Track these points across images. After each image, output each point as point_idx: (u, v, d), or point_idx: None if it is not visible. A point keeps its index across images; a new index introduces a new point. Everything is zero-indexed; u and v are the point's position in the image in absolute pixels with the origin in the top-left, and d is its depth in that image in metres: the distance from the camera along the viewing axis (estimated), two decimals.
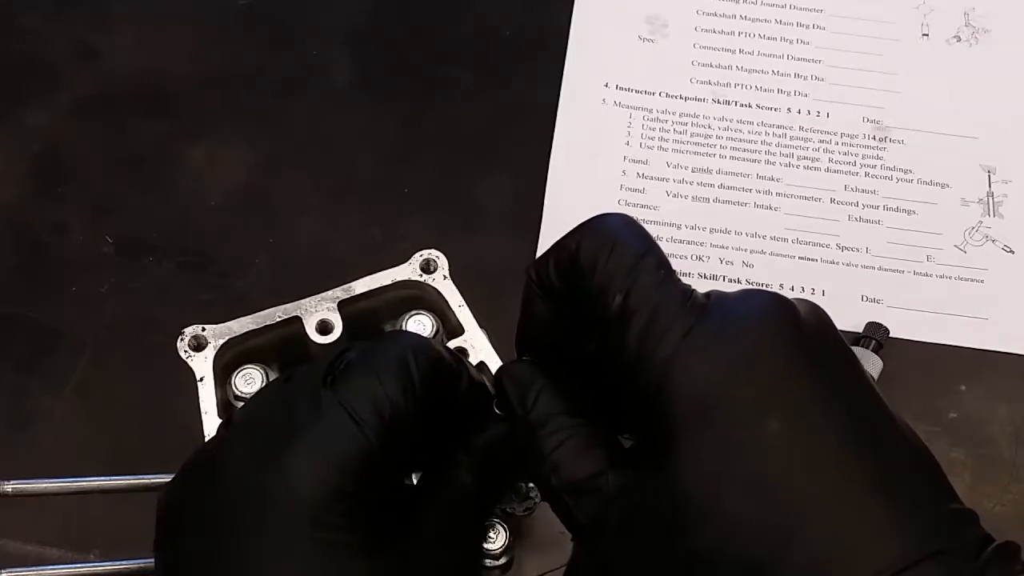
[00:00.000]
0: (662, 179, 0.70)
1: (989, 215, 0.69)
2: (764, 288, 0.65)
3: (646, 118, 0.72)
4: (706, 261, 0.68)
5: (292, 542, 0.35)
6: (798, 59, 0.74)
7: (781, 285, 0.67)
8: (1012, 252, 0.68)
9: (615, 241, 0.36)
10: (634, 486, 0.34)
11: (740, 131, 0.72)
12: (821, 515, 0.32)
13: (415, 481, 0.46)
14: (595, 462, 0.35)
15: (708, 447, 0.33)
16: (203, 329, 0.50)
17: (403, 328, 0.50)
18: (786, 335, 0.34)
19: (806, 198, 0.70)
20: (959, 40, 0.75)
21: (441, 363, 0.40)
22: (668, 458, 0.33)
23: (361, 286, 0.51)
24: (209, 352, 0.49)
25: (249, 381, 0.49)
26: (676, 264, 0.37)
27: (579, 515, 0.35)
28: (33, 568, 0.50)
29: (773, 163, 0.71)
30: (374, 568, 0.36)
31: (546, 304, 0.38)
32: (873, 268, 0.68)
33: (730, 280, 0.67)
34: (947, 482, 0.34)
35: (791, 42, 0.75)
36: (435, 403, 0.39)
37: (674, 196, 0.70)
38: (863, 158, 0.71)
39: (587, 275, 0.36)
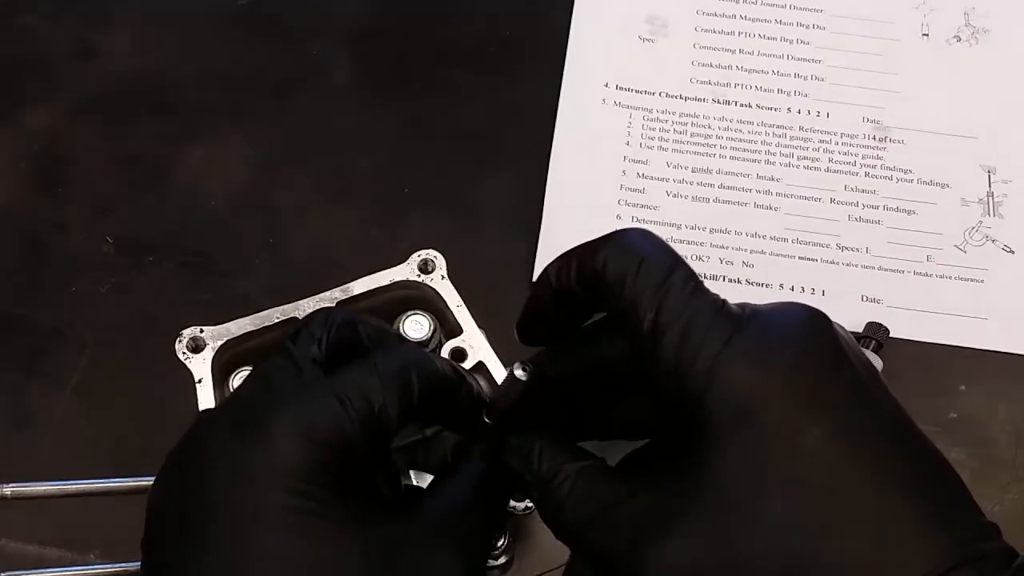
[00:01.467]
0: (662, 179, 0.70)
1: (989, 215, 0.69)
2: (766, 286, 0.66)
3: (646, 118, 0.72)
4: (706, 261, 0.68)
5: (268, 509, 0.35)
6: (798, 59, 0.74)
7: (781, 285, 0.67)
8: (1012, 252, 0.68)
9: (642, 257, 0.36)
10: (668, 497, 0.34)
11: (740, 131, 0.72)
12: (861, 518, 0.33)
13: (414, 481, 0.46)
14: (615, 489, 0.36)
15: (751, 451, 0.33)
16: (201, 331, 0.50)
17: (401, 328, 0.50)
18: (826, 347, 0.35)
19: (806, 198, 0.70)
20: (959, 40, 0.75)
21: (443, 382, 0.40)
22: (710, 463, 0.34)
23: (359, 286, 0.51)
24: (207, 354, 0.49)
25: None
26: None
27: (610, 544, 0.35)
28: (33, 570, 0.50)
29: (773, 163, 0.71)
30: (352, 538, 0.35)
31: (558, 306, 0.38)
32: (873, 268, 0.68)
33: (730, 280, 0.67)
34: (970, 494, 0.35)
35: (791, 42, 0.75)
36: (429, 416, 0.39)
37: (674, 196, 0.70)
38: (863, 158, 0.71)
39: (615, 292, 0.36)
